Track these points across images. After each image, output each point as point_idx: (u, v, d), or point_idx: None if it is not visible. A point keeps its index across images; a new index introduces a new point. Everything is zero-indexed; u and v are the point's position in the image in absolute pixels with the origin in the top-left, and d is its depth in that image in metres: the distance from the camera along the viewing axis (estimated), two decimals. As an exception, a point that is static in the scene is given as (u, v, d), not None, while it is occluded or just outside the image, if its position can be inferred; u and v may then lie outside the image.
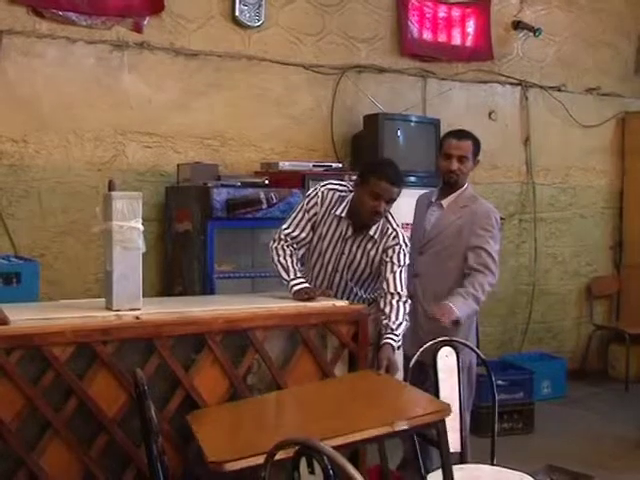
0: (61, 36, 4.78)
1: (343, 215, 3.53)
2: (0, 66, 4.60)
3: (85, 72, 4.87)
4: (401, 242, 3.52)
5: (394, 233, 3.53)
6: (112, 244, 2.78)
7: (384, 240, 3.53)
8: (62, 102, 4.78)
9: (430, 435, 2.86)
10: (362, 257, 3.56)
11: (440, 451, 2.66)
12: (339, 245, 3.57)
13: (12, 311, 2.69)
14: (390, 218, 3.57)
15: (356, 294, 3.64)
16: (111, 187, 2.92)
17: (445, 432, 2.58)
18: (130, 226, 2.76)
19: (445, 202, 3.85)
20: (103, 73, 4.92)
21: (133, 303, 2.85)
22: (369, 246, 3.55)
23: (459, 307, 3.49)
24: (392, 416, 2.52)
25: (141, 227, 2.81)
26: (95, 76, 4.90)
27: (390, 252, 3.50)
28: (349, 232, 3.55)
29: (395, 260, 3.48)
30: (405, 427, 2.46)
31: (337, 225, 3.56)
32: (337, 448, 2.48)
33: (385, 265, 3.50)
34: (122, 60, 4.97)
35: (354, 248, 3.56)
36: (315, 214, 3.57)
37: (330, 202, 3.57)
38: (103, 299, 2.94)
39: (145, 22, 5.01)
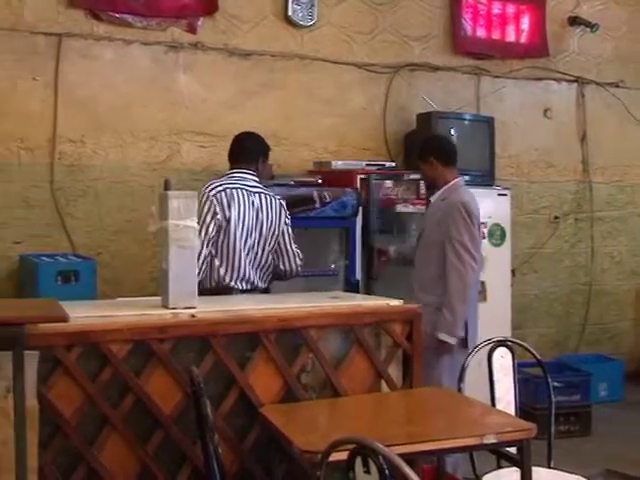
0: (117, 38, 4.86)
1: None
2: (59, 68, 4.70)
3: (141, 73, 4.95)
4: None
5: None
6: (168, 243, 2.81)
7: None
8: (118, 103, 4.86)
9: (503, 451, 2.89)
10: None
11: (522, 470, 2.64)
12: None
13: (71, 309, 2.72)
14: None
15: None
16: (167, 186, 2.94)
17: (529, 452, 2.58)
18: (186, 225, 2.78)
19: (432, 198, 4.17)
20: (158, 74, 4.99)
21: (189, 301, 2.87)
22: None
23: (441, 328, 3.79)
24: (478, 429, 2.58)
25: (197, 226, 2.83)
26: (150, 77, 4.97)
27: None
28: None
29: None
30: (493, 441, 2.51)
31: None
32: (424, 454, 2.58)
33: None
34: (177, 61, 5.03)
35: None
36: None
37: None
38: (159, 297, 2.97)
39: (199, 23, 5.07)
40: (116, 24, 4.85)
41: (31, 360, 2.43)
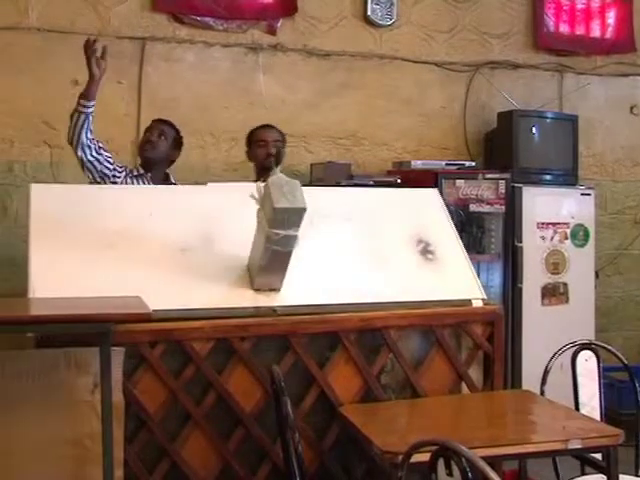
0: (199, 41, 4.95)
1: None
2: (143, 71, 4.81)
3: (221, 75, 5.02)
4: None
5: None
6: (264, 244, 2.73)
7: None
8: (199, 104, 4.93)
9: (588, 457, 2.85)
10: None
11: (608, 478, 2.58)
12: None
13: (154, 296, 2.59)
14: None
15: None
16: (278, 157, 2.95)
17: (616, 459, 2.53)
18: (287, 234, 2.71)
19: None
20: (238, 75, 5.05)
21: (274, 284, 2.87)
22: None
23: None
24: (562, 433, 2.53)
25: (298, 234, 2.70)
26: (230, 78, 5.04)
27: None
28: None
29: None
30: (578, 446, 2.47)
31: None
32: (506, 457, 2.56)
33: None
34: (256, 62, 5.08)
35: None
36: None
37: None
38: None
39: (279, 24, 5.11)
40: (197, 27, 4.93)
41: (117, 356, 2.50)
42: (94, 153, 3.80)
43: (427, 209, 3.46)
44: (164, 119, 4.15)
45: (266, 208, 2.69)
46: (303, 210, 2.64)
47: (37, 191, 3.04)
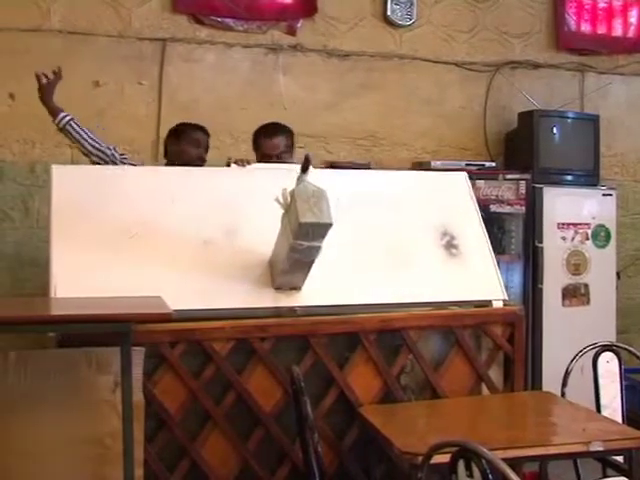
0: (219, 42, 4.96)
1: None
2: (163, 72, 4.83)
3: (241, 75, 5.03)
4: None
5: None
6: (288, 254, 2.73)
7: None
8: (219, 105, 4.94)
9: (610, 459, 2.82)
10: None
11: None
12: None
13: (175, 295, 2.58)
14: None
15: None
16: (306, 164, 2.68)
17: (639, 460, 2.51)
18: (311, 245, 2.67)
19: None
20: (258, 76, 5.05)
21: (295, 284, 2.87)
22: None
23: None
24: (584, 435, 2.52)
25: (322, 245, 2.68)
26: (250, 79, 5.04)
27: None
28: None
29: None
30: (600, 449, 2.45)
31: None
32: (527, 459, 2.54)
33: None
34: (276, 62, 5.09)
35: None
36: None
37: None
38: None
39: (299, 25, 5.11)
40: (218, 28, 4.95)
41: (137, 356, 2.51)
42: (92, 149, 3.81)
43: (454, 195, 3.37)
44: (199, 125, 4.10)
45: (291, 218, 2.63)
46: (329, 225, 2.59)
47: (59, 173, 3.02)
